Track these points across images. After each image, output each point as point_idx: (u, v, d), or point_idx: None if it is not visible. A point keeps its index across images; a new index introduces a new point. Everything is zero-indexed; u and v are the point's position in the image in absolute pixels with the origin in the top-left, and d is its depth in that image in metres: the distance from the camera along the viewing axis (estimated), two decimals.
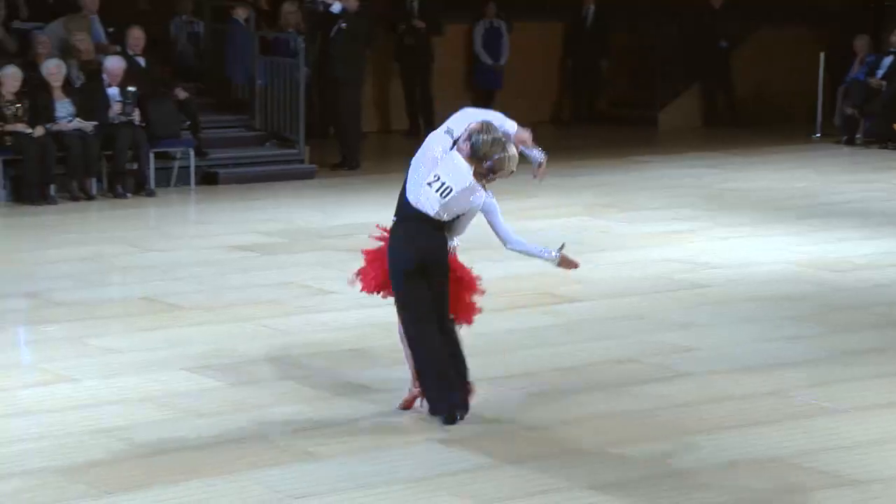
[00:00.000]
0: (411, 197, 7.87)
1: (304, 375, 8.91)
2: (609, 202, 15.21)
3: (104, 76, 15.72)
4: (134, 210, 15.01)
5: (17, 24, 16.93)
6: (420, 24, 19.75)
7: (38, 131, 15.02)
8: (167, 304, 10.69)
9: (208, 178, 16.57)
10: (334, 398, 8.45)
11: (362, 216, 14.34)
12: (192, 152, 16.31)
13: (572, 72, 21.85)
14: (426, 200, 7.83)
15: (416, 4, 19.82)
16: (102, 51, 16.42)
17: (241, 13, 17.82)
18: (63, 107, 15.36)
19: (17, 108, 15.04)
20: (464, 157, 7.81)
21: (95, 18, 16.88)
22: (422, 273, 7.92)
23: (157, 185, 15.88)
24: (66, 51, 16.20)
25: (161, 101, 16.15)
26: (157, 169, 15.93)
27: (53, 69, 15.29)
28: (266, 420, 8.01)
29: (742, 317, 10.45)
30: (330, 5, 17.40)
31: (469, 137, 7.80)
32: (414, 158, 7.95)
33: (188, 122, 16.48)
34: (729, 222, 14.12)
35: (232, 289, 11.29)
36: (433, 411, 8.00)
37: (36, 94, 15.24)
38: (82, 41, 16.16)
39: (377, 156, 18.18)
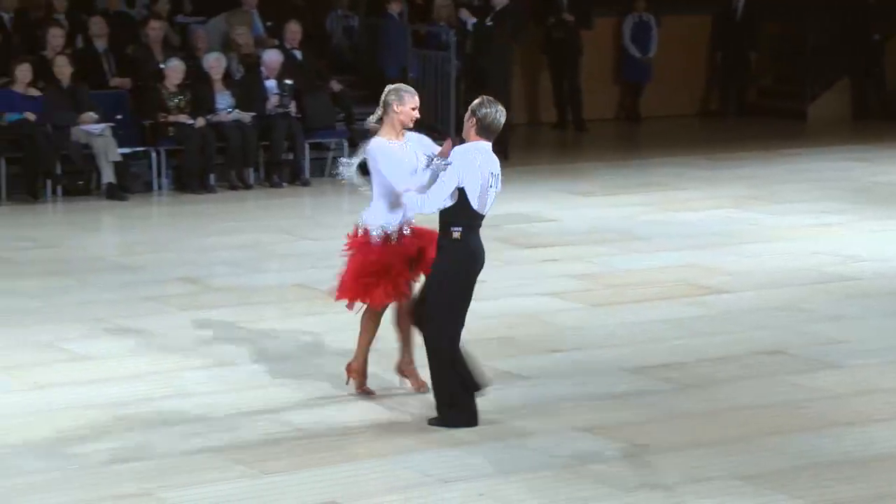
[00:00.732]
0: (477, 204, 7.67)
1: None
2: (757, 195, 15.00)
3: (262, 69, 15.90)
4: (289, 199, 15.16)
5: (180, 18, 17.21)
6: (569, 17, 19.67)
7: (199, 122, 15.24)
8: (321, 291, 10.75)
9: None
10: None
11: (511, 207, 14.31)
12: (345, 143, 16.42)
13: (721, 64, 21.58)
14: (490, 202, 7.74)
15: None
16: (261, 44, 16.62)
17: (395, 7, 17.90)
18: (223, 99, 15.57)
19: (180, 99, 15.27)
20: (474, 133, 7.70)
21: (255, 13, 17.10)
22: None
23: (312, 174, 16.01)
24: (226, 44, 16.43)
25: (316, 94, 16.29)
26: (311, 159, 16.07)
27: (214, 62, 15.50)
28: (415, 405, 8.03)
29: (891, 310, 10.24)
30: (465, 22, 17.38)
31: (473, 113, 7.69)
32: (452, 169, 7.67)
33: (342, 114, 16.60)
34: (878, 216, 13.84)
35: None
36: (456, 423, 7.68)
37: (197, 87, 15.47)
38: (242, 35, 16.38)
39: (525, 148, 18.13)
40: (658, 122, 20.36)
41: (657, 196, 14.95)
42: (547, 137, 19.85)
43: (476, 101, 7.77)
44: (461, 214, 7.64)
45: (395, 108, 8.05)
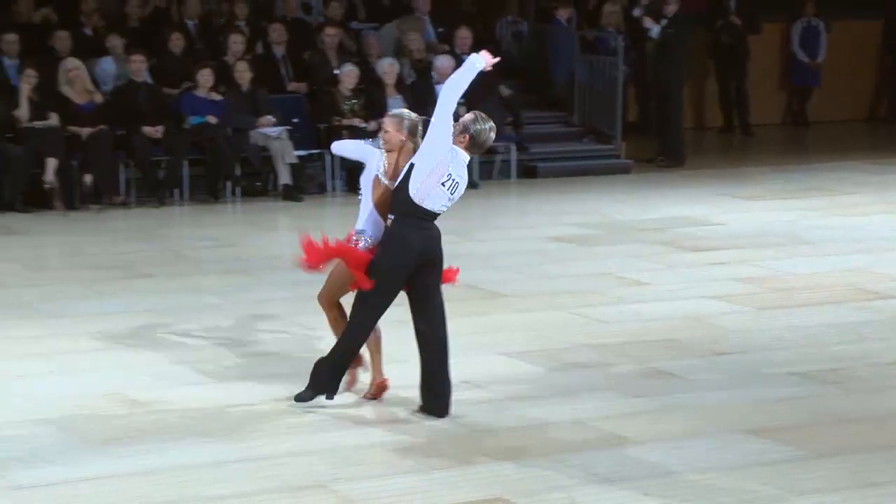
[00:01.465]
0: (416, 190, 7.58)
1: (616, 363, 8.85)
2: None
3: (433, 74, 15.98)
4: (458, 201, 15.16)
5: (355, 24, 17.38)
6: (737, 20, 19.43)
7: (372, 125, 15.36)
8: (488, 291, 10.78)
9: (528, 172, 16.67)
10: (646, 386, 8.37)
11: (677, 210, 14.21)
12: (513, 147, 16.43)
13: (891, 69, 21.11)
14: (436, 197, 7.63)
15: (732, 3, 19.52)
16: (432, 50, 16.70)
17: (563, 13, 17.85)
18: (395, 103, 15.65)
19: (354, 103, 15.42)
20: (462, 148, 7.62)
21: (426, 19, 17.19)
22: (416, 270, 7.71)
23: (480, 177, 16.04)
24: (398, 50, 16.55)
25: (486, 98, 16.30)
26: (480, 162, 16.09)
27: (388, 68, 15.62)
28: (580, 405, 7.98)
29: None
30: (649, 30, 17.22)
31: (466, 130, 7.61)
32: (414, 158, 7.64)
33: (511, 118, 16.61)
34: None
35: (550, 278, 11.32)
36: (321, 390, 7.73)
37: (371, 91, 15.61)
38: (414, 41, 16.49)
39: (692, 152, 17.92)
40: (826, 127, 20.00)
41: (824, 200, 14.68)
42: (713, 141, 19.62)
43: (469, 117, 7.71)
44: (400, 201, 7.61)
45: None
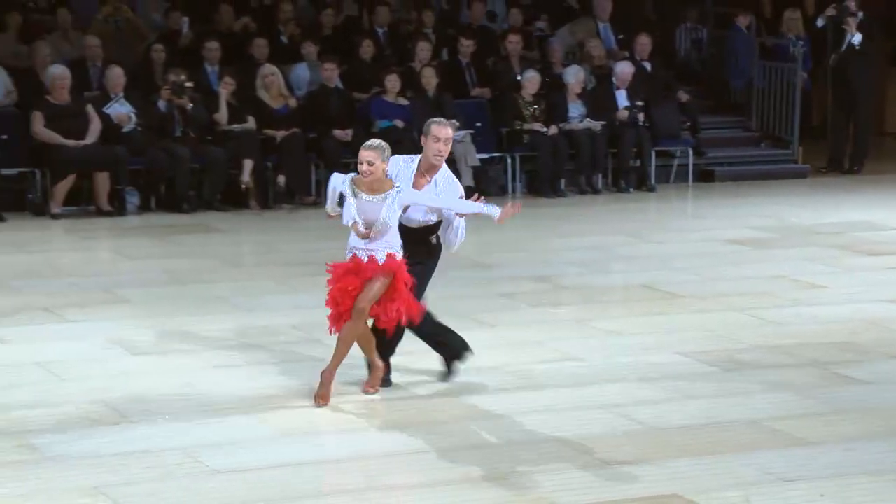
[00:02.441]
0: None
1: (791, 365, 8.70)
2: None
3: (613, 80, 15.91)
4: (635, 204, 15.12)
5: (535, 28, 17.39)
6: None
7: (552, 130, 15.37)
8: (665, 291, 10.69)
9: (705, 176, 16.50)
10: (821, 387, 8.21)
11: (853, 215, 13.93)
12: (690, 151, 16.28)
13: None
14: None
15: None
16: (613, 57, 16.63)
17: (742, 20, 17.62)
18: (575, 108, 15.65)
19: (535, 108, 15.44)
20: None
21: (607, 26, 17.13)
22: None
23: (658, 181, 15.94)
24: (574, 53, 16.53)
25: (664, 104, 16.19)
26: (657, 166, 16.00)
27: (575, 76, 15.59)
28: (755, 405, 7.87)
29: None
30: (851, 36, 16.86)
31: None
32: None
33: (688, 123, 16.46)
34: None
35: (726, 280, 11.18)
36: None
37: (552, 96, 15.60)
38: (595, 47, 16.45)
39: (872, 157, 17.53)
40: None
41: None
42: (893, 147, 19.16)
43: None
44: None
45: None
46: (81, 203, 13.96)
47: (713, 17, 18.16)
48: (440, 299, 10.24)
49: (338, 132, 14.53)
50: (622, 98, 15.80)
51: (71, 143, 13.62)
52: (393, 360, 8.16)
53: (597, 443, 7.18)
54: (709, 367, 8.63)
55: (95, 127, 13.84)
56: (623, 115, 15.67)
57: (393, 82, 14.91)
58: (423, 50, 15.62)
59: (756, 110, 17.28)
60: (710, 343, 9.18)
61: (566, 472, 6.77)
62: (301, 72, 15.43)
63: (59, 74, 13.85)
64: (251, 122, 14.46)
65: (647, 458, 6.99)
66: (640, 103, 15.72)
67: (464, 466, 6.83)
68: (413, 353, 8.43)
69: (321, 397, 7.70)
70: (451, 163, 14.99)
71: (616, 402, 7.89)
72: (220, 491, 6.44)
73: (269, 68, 14.76)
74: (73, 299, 10.17)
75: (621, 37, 17.10)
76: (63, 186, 13.66)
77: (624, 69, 15.84)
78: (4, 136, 13.92)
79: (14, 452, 6.87)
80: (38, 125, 13.69)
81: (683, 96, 16.46)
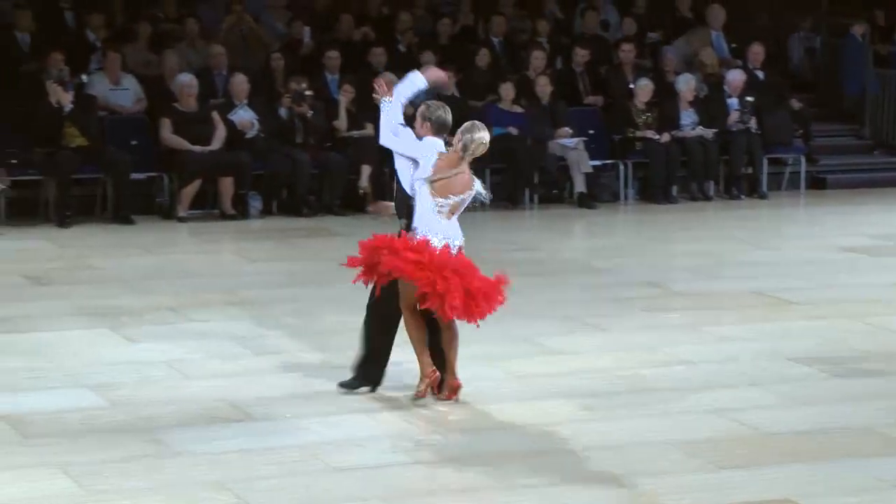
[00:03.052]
0: None
1: None
2: None
3: (725, 88, 15.76)
4: (747, 211, 14.96)
5: (649, 38, 17.29)
6: None
7: (665, 137, 15.27)
8: (777, 298, 10.56)
9: (817, 184, 16.28)
10: None
11: None
12: (803, 159, 16.07)
13: None
14: None
15: None
16: (725, 65, 16.48)
17: (857, 29, 17.36)
18: (687, 115, 15.54)
19: (648, 116, 15.35)
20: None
21: (719, 35, 16.97)
22: None
23: (769, 188, 15.75)
24: (691, 64, 16.39)
25: (776, 111, 16.00)
26: (769, 173, 15.82)
27: (688, 85, 15.47)
28: (868, 412, 7.73)
29: None
30: None
31: (426, 118, 7.80)
32: None
33: (800, 131, 16.25)
34: None
35: (839, 287, 11.01)
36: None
37: (664, 104, 15.50)
38: (707, 55, 16.31)
39: None
40: None
41: None
42: None
43: (422, 109, 7.87)
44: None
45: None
46: (206, 207, 14.16)
47: (827, 25, 17.90)
48: (551, 303, 10.25)
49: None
50: (734, 106, 15.64)
51: (197, 148, 13.82)
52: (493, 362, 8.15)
53: (708, 447, 7.11)
54: (821, 373, 8.51)
55: (220, 133, 14.02)
56: (734, 116, 15.51)
57: (507, 90, 14.91)
58: (538, 58, 15.60)
59: (869, 118, 17.01)
60: (822, 349, 9.05)
61: (677, 476, 6.71)
62: None
63: (186, 82, 14.06)
64: (369, 129, 14.54)
65: (759, 462, 6.91)
66: (749, 99, 15.50)
67: (574, 468, 6.81)
68: (520, 357, 8.42)
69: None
70: (565, 169, 14.98)
71: (728, 407, 7.80)
72: (339, 488, 6.48)
73: (387, 76, 14.81)
74: (197, 300, 10.31)
75: (734, 45, 16.93)
76: (189, 191, 13.87)
77: (736, 77, 15.68)
78: (134, 142, 14.16)
79: (141, 447, 6.99)
80: (166, 131, 13.91)
81: (796, 104, 16.25)
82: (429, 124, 7.86)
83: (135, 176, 13.88)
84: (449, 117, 7.93)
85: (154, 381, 8.18)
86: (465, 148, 7.75)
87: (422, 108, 7.90)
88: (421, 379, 7.78)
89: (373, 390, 7.90)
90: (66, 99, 13.42)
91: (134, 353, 8.81)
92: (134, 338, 9.20)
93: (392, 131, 7.87)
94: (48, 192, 13.71)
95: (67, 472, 6.57)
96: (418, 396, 7.76)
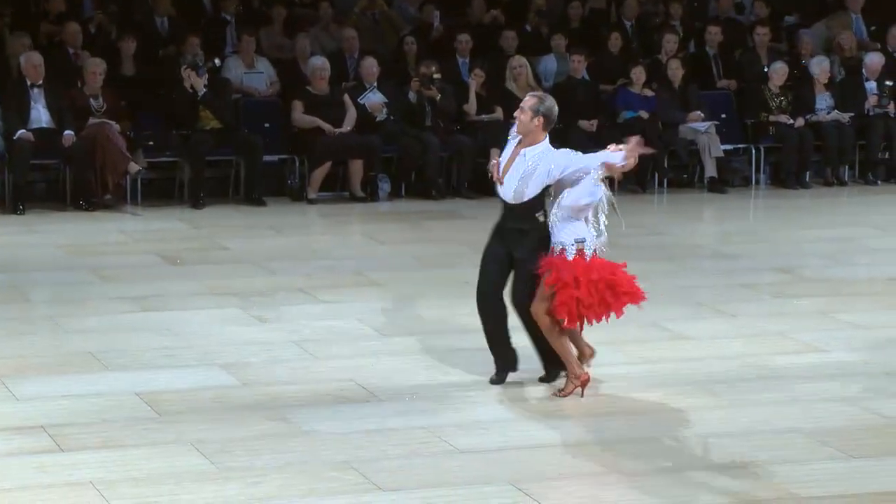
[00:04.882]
0: None
1: None
2: None
3: (863, 71, 15.46)
4: (883, 196, 14.68)
5: (785, 21, 17.03)
6: None
7: (799, 122, 15.03)
8: None
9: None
10: None
11: None
12: None
13: None
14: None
15: None
16: (864, 48, 16.16)
17: None
18: (823, 99, 15.28)
19: (782, 100, 15.13)
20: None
21: (858, 17, 16.64)
22: None
23: None
24: (829, 48, 16.12)
25: None
26: None
27: (822, 68, 15.22)
28: None
29: None
30: None
31: (536, 112, 7.50)
32: None
33: None
34: None
35: None
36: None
37: (799, 88, 15.26)
38: (846, 39, 16.02)
39: None
40: None
41: None
42: None
43: (532, 102, 7.48)
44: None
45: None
46: (336, 189, 14.28)
47: None
48: (679, 289, 10.15)
49: (583, 122, 14.49)
50: (872, 89, 15.34)
51: (328, 127, 13.93)
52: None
53: (839, 436, 7.00)
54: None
55: (351, 116, 14.13)
56: (873, 100, 15.21)
57: (639, 74, 14.80)
58: (670, 42, 15.45)
59: None
60: None
61: (807, 464, 6.62)
62: (549, 63, 15.44)
63: (319, 65, 14.18)
64: (499, 113, 14.55)
65: (890, 452, 6.78)
66: (889, 83, 15.17)
67: (701, 455, 6.75)
68: (648, 342, 8.36)
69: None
70: (695, 154, 14.83)
71: (860, 396, 7.68)
72: (463, 469, 6.51)
73: (518, 60, 14.82)
74: (326, 281, 10.42)
75: (873, 27, 16.59)
76: (320, 173, 14.00)
77: (874, 60, 15.37)
78: (267, 125, 14.34)
79: (271, 426, 7.08)
80: (298, 113, 14.05)
81: None
82: (541, 118, 7.56)
83: (267, 158, 14.04)
84: (556, 109, 7.70)
85: (283, 361, 8.28)
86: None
87: (531, 101, 7.60)
88: (571, 379, 7.63)
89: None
90: (199, 84, 13.63)
91: (264, 334, 8.93)
92: (264, 318, 9.32)
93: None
94: (183, 173, 13.95)
95: (200, 450, 6.69)
96: (563, 395, 7.63)
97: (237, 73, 14.64)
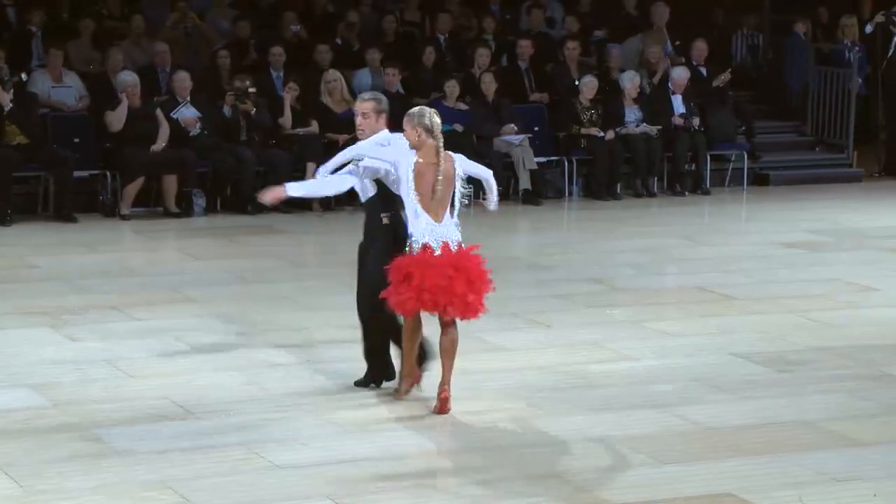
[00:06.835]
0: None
1: (847, 367, 8.61)
2: None
3: (669, 85, 15.83)
4: (690, 207, 15.04)
5: (594, 36, 17.34)
6: None
7: (609, 135, 15.31)
8: (719, 293, 10.62)
9: (760, 180, 16.39)
10: (874, 389, 8.12)
11: None
12: (745, 155, 16.17)
13: None
14: None
15: None
16: (669, 62, 16.54)
17: (801, 27, 17.50)
18: (632, 112, 15.59)
19: (592, 113, 15.39)
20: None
21: (663, 32, 17.04)
22: None
23: (712, 184, 15.84)
24: (638, 62, 16.46)
25: (719, 108, 16.09)
26: (712, 170, 15.90)
27: (632, 82, 15.53)
28: (809, 406, 7.80)
29: None
30: None
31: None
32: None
33: (743, 127, 16.35)
34: None
35: (779, 282, 11.09)
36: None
37: (609, 101, 15.55)
38: (653, 53, 16.38)
39: None
40: None
41: None
42: None
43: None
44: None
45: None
46: (150, 204, 14.06)
47: (770, 23, 18.02)
48: (495, 300, 10.22)
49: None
50: (678, 103, 15.72)
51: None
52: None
53: (651, 442, 7.14)
54: (762, 368, 8.56)
55: (164, 131, 13.93)
56: (678, 121, 15.59)
57: (452, 88, 14.91)
58: (483, 56, 15.60)
59: (811, 115, 17.14)
60: (763, 344, 9.11)
61: (620, 472, 6.74)
62: (364, 77, 15.46)
63: (129, 81, 13.94)
64: (314, 126, 14.51)
65: (701, 457, 6.94)
66: (692, 104, 15.55)
67: (517, 464, 6.82)
68: (464, 354, 8.41)
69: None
70: (510, 166, 14.99)
71: (670, 402, 7.84)
72: (282, 485, 6.46)
73: (332, 74, 14.80)
74: (140, 298, 10.24)
75: (678, 42, 17.01)
76: (132, 188, 13.76)
77: (680, 74, 15.75)
78: (77, 140, 14.04)
79: (83, 447, 6.93)
80: (110, 117, 13.74)
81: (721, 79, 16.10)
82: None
83: (77, 174, 13.75)
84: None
85: (96, 380, 8.12)
86: (430, 130, 7.65)
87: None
88: (404, 378, 7.74)
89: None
90: (4, 98, 13.29)
91: (76, 352, 8.74)
92: (76, 336, 9.12)
93: (348, 171, 7.94)
94: None
95: (8, 473, 6.51)
96: (400, 396, 7.73)
97: (44, 87, 14.30)
